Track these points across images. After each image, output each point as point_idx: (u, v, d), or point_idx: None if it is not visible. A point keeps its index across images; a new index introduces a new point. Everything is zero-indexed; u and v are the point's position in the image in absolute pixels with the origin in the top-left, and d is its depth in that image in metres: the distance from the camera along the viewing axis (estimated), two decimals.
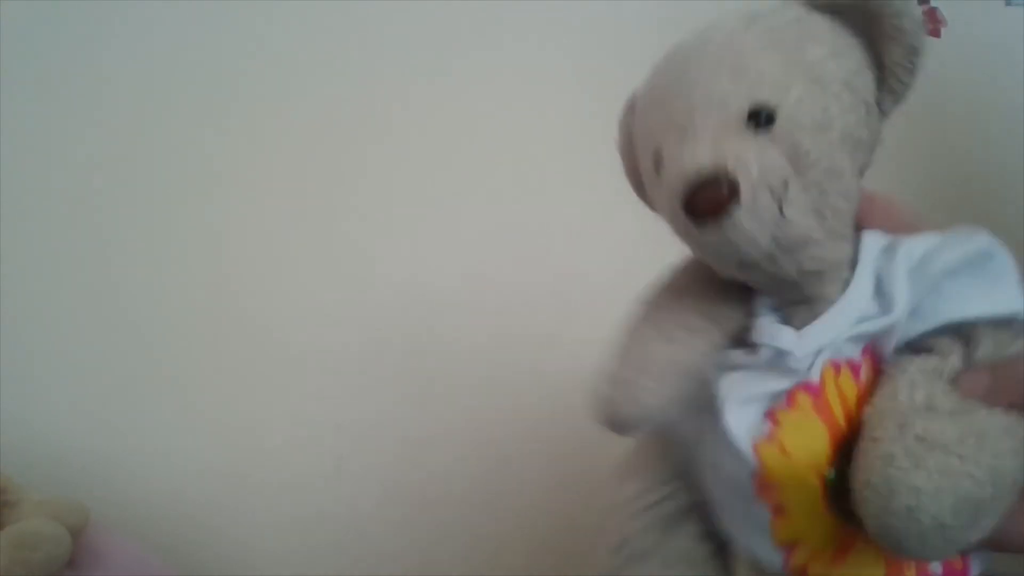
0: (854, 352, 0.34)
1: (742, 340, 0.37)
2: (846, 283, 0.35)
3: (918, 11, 0.33)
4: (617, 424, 0.38)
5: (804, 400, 0.34)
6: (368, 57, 0.79)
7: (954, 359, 0.32)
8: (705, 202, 0.31)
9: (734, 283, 0.37)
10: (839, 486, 0.33)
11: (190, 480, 0.72)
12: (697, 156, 0.32)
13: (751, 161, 0.31)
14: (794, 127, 0.32)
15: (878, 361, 0.34)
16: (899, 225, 0.36)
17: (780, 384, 0.35)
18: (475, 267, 0.80)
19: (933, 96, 0.98)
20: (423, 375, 0.79)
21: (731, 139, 0.32)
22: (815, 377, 0.34)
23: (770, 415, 0.34)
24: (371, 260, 0.78)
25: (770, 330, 0.35)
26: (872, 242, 0.35)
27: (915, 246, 0.34)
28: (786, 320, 0.36)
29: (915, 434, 0.29)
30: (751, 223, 0.31)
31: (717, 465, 0.37)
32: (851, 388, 0.34)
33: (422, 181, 0.80)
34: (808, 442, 0.33)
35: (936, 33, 0.99)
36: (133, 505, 0.69)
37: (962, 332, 0.33)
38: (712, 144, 0.32)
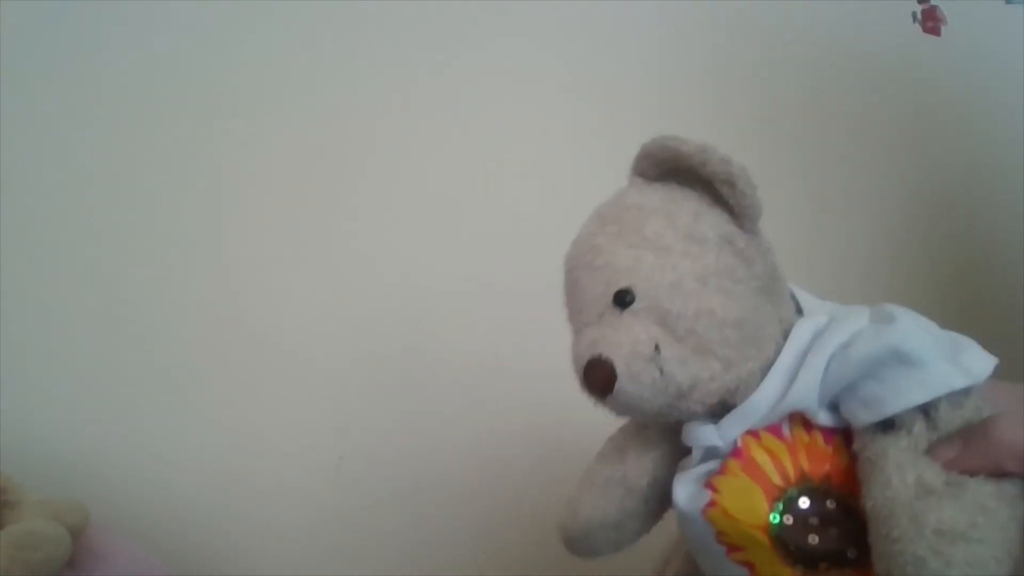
0: (773, 421, 0.38)
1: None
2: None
3: (715, 153, 0.38)
4: (569, 542, 0.44)
5: (733, 465, 0.38)
6: (368, 60, 0.79)
7: (919, 429, 0.35)
8: (593, 383, 0.37)
9: None
10: (782, 531, 0.36)
11: (190, 480, 0.72)
12: (580, 348, 0.39)
13: (620, 342, 0.37)
14: (651, 296, 0.37)
15: (805, 419, 0.38)
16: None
17: (714, 464, 0.39)
18: (474, 270, 0.80)
19: (933, 94, 0.98)
20: (423, 377, 0.79)
21: (604, 326, 0.38)
22: (738, 444, 0.38)
23: (708, 484, 0.38)
24: (371, 262, 0.78)
25: (695, 433, 0.40)
26: (802, 330, 0.39)
27: (840, 331, 0.37)
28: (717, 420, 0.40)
29: (932, 528, 0.32)
30: (635, 390, 0.37)
31: (689, 539, 0.41)
32: (776, 445, 0.38)
33: (422, 184, 0.80)
34: (745, 501, 0.37)
35: (936, 31, 0.99)
36: (133, 505, 0.69)
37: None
38: (590, 334, 0.38)
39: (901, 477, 0.34)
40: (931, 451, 0.35)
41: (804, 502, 0.37)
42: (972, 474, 0.34)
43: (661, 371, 0.37)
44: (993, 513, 0.32)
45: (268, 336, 0.75)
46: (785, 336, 0.39)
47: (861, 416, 0.36)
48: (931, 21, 0.99)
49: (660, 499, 0.44)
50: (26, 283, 0.69)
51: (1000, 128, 0.98)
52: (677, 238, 0.38)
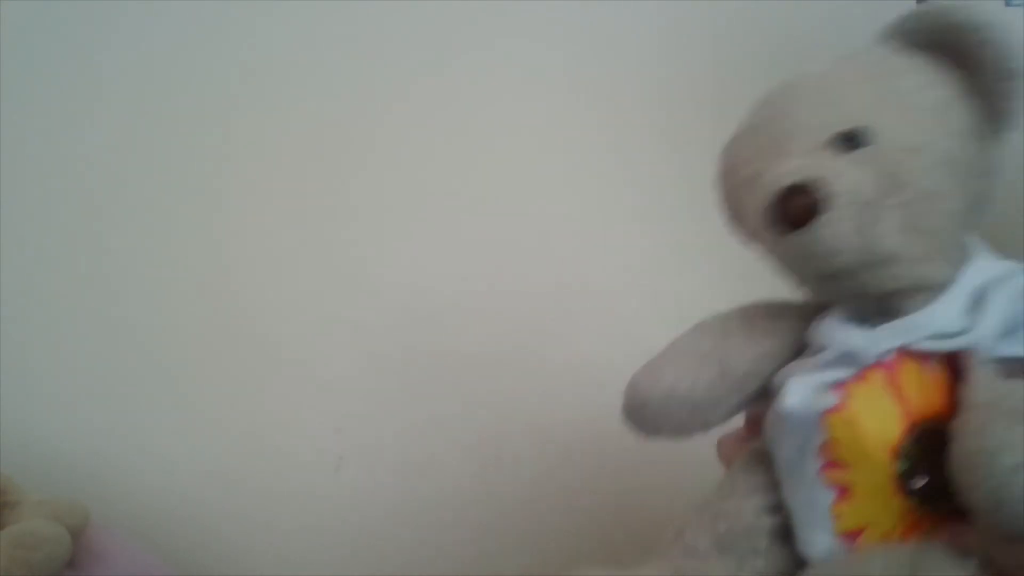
0: (930, 357, 0.34)
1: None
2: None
3: (1010, 37, 0.34)
4: (637, 407, 0.38)
5: (876, 376, 0.34)
6: (367, 60, 0.79)
7: None
8: (794, 209, 0.32)
9: (798, 311, 0.38)
10: (909, 460, 0.32)
11: (190, 481, 0.72)
12: (789, 169, 0.33)
13: (841, 173, 0.32)
14: (885, 149, 0.33)
15: (956, 372, 0.34)
16: None
17: (846, 372, 0.34)
18: (475, 271, 0.80)
19: None
20: (423, 378, 0.79)
21: (822, 157, 0.33)
22: (889, 357, 0.34)
23: (839, 387, 0.34)
24: (371, 263, 0.78)
25: (838, 331, 0.35)
26: (984, 267, 0.35)
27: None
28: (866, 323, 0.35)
29: None
30: (837, 233, 0.32)
31: (780, 445, 0.36)
32: (926, 379, 0.33)
33: (422, 184, 0.80)
34: (880, 418, 0.33)
35: None
36: (133, 505, 0.69)
37: None
38: (796, 162, 0.33)
39: (1010, 388, 0.31)
40: None
41: (931, 441, 0.32)
42: None
43: (867, 227, 0.32)
44: None
45: (268, 336, 0.75)
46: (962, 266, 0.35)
47: (1005, 349, 0.32)
48: None
49: (748, 399, 0.39)
50: (26, 283, 0.69)
51: None
52: (929, 106, 0.34)
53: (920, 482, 0.32)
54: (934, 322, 0.34)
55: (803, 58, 0.95)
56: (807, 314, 0.38)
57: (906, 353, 0.34)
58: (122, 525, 0.63)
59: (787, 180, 0.33)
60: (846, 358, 0.35)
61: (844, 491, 0.34)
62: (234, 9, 0.76)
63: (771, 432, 0.37)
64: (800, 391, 0.35)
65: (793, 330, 0.38)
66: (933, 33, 0.35)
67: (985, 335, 0.33)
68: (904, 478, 0.33)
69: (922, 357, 0.34)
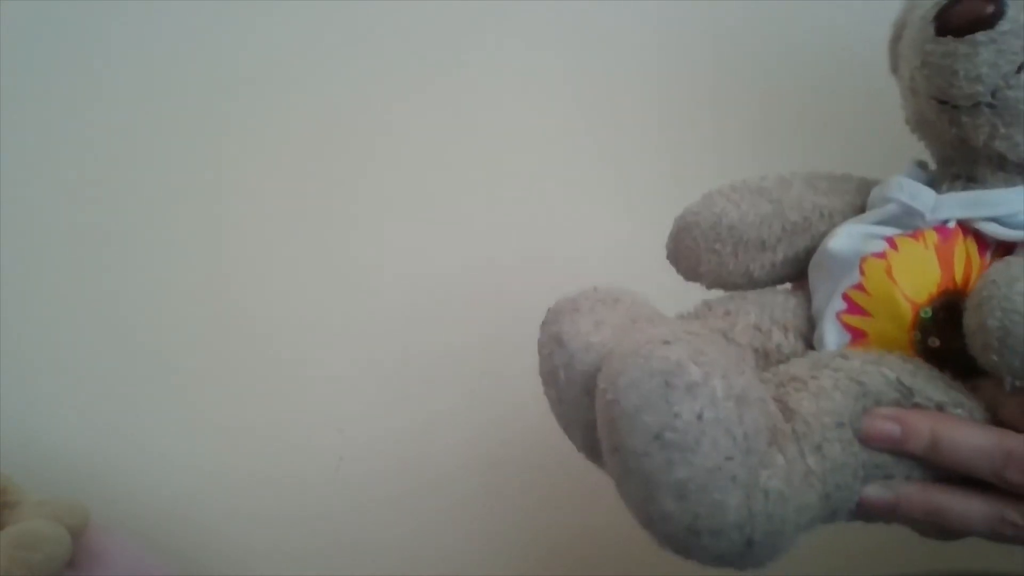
0: (990, 243, 0.33)
1: None
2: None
3: None
4: (682, 229, 0.37)
5: (931, 237, 0.33)
6: (367, 61, 0.79)
7: None
8: (962, 13, 0.31)
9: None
10: (931, 327, 0.32)
11: (190, 481, 0.72)
12: None
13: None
14: None
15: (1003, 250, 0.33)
16: None
17: (901, 226, 0.34)
18: (475, 268, 0.80)
19: None
20: (423, 377, 0.79)
21: None
22: (950, 225, 0.33)
23: (890, 240, 0.33)
24: (370, 262, 0.78)
25: (906, 185, 0.35)
26: None
27: None
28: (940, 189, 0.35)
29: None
30: (985, 57, 0.30)
31: (816, 286, 0.35)
32: (976, 261, 0.33)
33: (422, 186, 0.80)
34: (918, 274, 0.33)
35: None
36: (133, 505, 0.69)
37: None
38: None
39: None
40: None
41: (957, 310, 0.32)
42: None
43: (1020, 68, 0.31)
44: None
45: (268, 336, 0.75)
46: None
47: None
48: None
49: (796, 255, 0.37)
50: (26, 283, 0.69)
51: None
52: None
53: (935, 342, 0.32)
54: (1003, 204, 0.33)
55: (802, 58, 0.96)
56: (871, 186, 0.38)
57: (968, 229, 0.33)
58: (122, 525, 0.62)
59: None
60: (905, 215, 0.34)
61: (859, 336, 0.34)
62: (234, 9, 0.75)
63: (811, 274, 0.36)
64: (849, 234, 0.34)
65: (856, 195, 0.38)
66: None
67: None
68: (921, 337, 0.32)
69: (982, 240, 0.33)
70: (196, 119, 0.74)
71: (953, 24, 0.31)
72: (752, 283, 0.38)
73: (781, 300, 0.37)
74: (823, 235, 0.37)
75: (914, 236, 0.33)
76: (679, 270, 0.39)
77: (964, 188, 0.34)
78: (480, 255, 0.80)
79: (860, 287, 0.33)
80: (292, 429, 0.75)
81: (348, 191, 0.78)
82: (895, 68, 0.40)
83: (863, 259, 0.33)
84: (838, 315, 0.34)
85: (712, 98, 0.90)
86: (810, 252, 0.37)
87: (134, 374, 0.71)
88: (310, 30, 0.78)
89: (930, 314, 0.32)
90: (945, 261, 0.33)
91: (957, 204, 0.33)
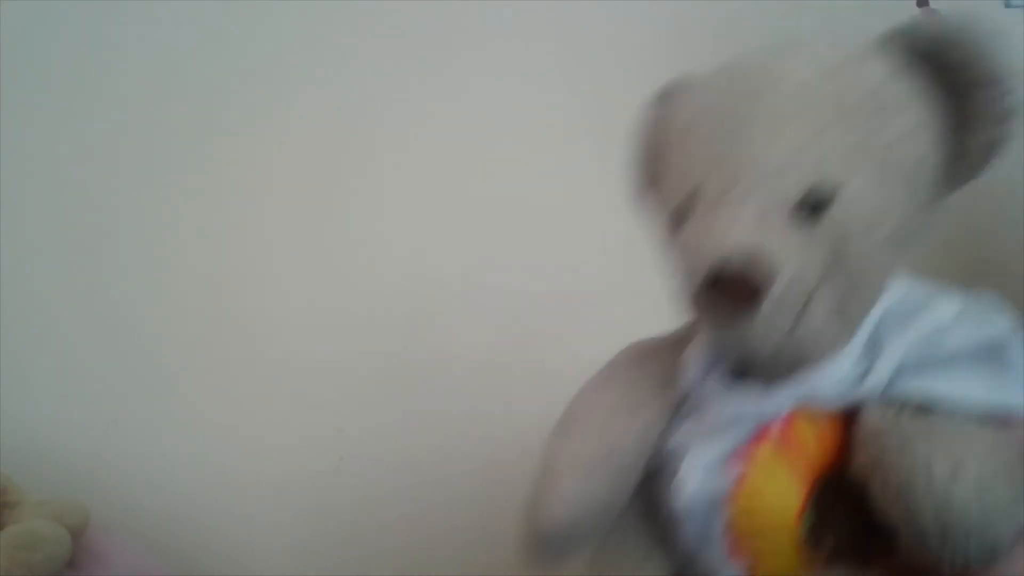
0: (830, 402, 0.32)
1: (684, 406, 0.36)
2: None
3: (1014, 61, 0.30)
4: (545, 541, 0.37)
5: (769, 442, 0.32)
6: (366, 60, 0.79)
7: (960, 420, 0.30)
8: (729, 293, 0.28)
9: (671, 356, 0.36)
10: (817, 524, 0.31)
11: (190, 481, 0.72)
12: (733, 234, 0.28)
13: (790, 258, 0.28)
14: (845, 223, 0.29)
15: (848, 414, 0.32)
16: None
17: (737, 436, 0.33)
18: (473, 269, 0.80)
19: None
20: (423, 377, 0.79)
21: (775, 225, 0.29)
22: (780, 417, 0.32)
23: (733, 462, 0.32)
24: (370, 261, 0.78)
25: (727, 393, 0.33)
26: (887, 302, 0.33)
27: (929, 321, 0.32)
28: (745, 379, 0.34)
29: (940, 437, 0.28)
30: (769, 326, 0.29)
31: (682, 526, 0.34)
32: (821, 428, 0.32)
33: (420, 184, 0.80)
34: (779, 488, 0.32)
35: None
36: (133, 505, 0.69)
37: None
38: (754, 224, 0.28)
39: (900, 412, 0.29)
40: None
41: (833, 493, 0.31)
42: None
43: (804, 313, 0.29)
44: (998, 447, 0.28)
45: (268, 336, 0.75)
46: None
47: (899, 386, 0.31)
48: None
49: (641, 472, 0.37)
50: (26, 283, 0.69)
51: None
52: (903, 167, 0.30)
53: (828, 543, 0.31)
54: (828, 381, 0.32)
55: None
56: (680, 351, 0.36)
57: (798, 409, 0.32)
58: (122, 525, 0.62)
59: (729, 254, 0.28)
60: (738, 421, 0.33)
61: (753, 561, 0.33)
62: (235, 9, 0.76)
63: (672, 514, 0.35)
64: (695, 476, 0.33)
65: (669, 386, 0.36)
66: (933, 44, 0.31)
67: (879, 381, 0.31)
68: (811, 538, 0.31)
69: (814, 411, 0.32)
70: (194, 120, 0.74)
71: (723, 304, 0.29)
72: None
73: None
74: (659, 440, 0.36)
75: (755, 446, 0.32)
76: (546, 564, 0.38)
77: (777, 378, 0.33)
78: (479, 254, 0.81)
79: (732, 522, 0.32)
80: (292, 429, 0.75)
81: (347, 191, 0.78)
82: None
83: (721, 500, 0.32)
84: (726, 551, 0.33)
85: None
86: (655, 460, 0.36)
87: (134, 374, 0.71)
88: (309, 30, 0.78)
89: (813, 522, 0.31)
90: (796, 457, 0.32)
91: (787, 397, 0.32)
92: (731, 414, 0.33)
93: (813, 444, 0.32)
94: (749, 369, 0.33)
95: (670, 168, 0.35)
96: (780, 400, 0.32)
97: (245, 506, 0.73)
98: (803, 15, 0.94)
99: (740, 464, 0.32)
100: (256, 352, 0.74)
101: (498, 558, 0.79)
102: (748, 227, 0.29)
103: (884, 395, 0.31)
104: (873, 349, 0.32)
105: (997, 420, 0.30)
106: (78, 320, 0.70)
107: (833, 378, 0.32)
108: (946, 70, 0.31)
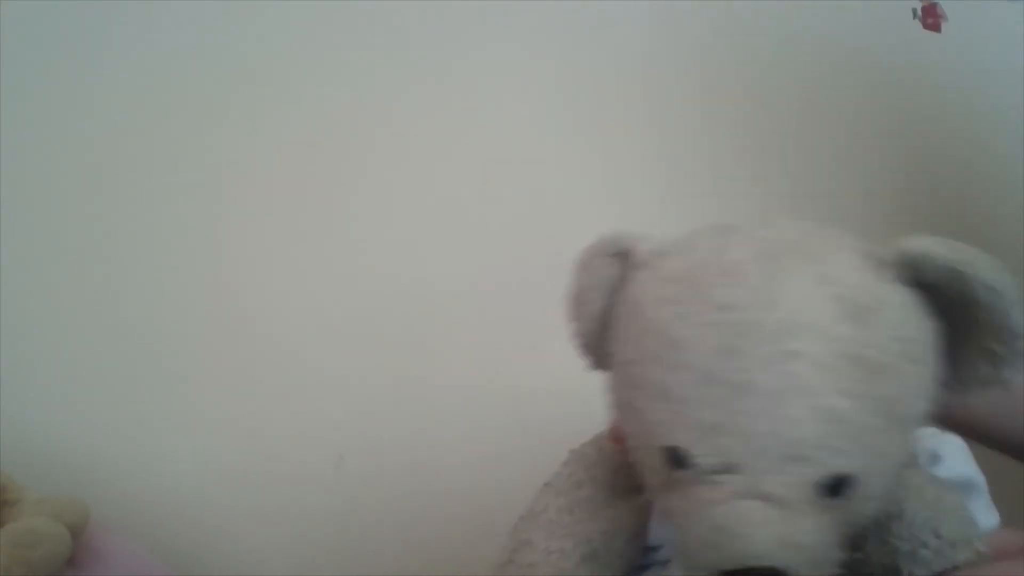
0: None
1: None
2: None
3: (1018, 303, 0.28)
4: None
5: None
6: (366, 60, 0.79)
7: None
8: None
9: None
10: None
11: (190, 479, 0.72)
12: (753, 539, 0.26)
13: (806, 550, 0.26)
14: (864, 500, 0.28)
15: None
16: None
17: None
18: (474, 266, 0.80)
19: (932, 92, 0.98)
20: (423, 376, 0.79)
21: (794, 514, 0.26)
22: None
23: None
24: (370, 259, 0.78)
25: None
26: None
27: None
28: None
29: None
30: None
31: None
32: None
33: (420, 183, 0.80)
34: None
35: (936, 28, 0.99)
36: (133, 504, 0.69)
37: None
38: (779, 516, 0.26)
39: None
40: None
41: None
42: None
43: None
44: None
45: (268, 334, 0.75)
46: None
47: None
48: (931, 18, 0.98)
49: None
50: (26, 283, 0.69)
51: (1000, 126, 0.98)
52: (915, 414, 0.28)
53: None
54: None
55: (800, 55, 0.96)
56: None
57: None
58: (122, 523, 0.62)
59: (745, 555, 0.26)
60: None
61: None
62: (235, 9, 0.76)
63: None
64: None
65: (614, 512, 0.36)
66: (940, 275, 0.28)
67: None
68: None
69: None
70: (195, 119, 0.74)
71: None
72: None
73: None
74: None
75: None
76: None
77: None
78: (480, 254, 0.81)
79: None
80: (292, 427, 0.75)
81: (348, 191, 0.78)
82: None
83: None
84: None
85: (705, 98, 0.90)
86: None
87: (134, 372, 0.71)
88: (310, 30, 0.78)
89: None
90: None
91: None
92: None
93: None
94: None
95: (635, 388, 0.31)
96: None
97: (246, 504, 0.73)
98: (804, 15, 0.94)
99: None
100: (256, 350, 0.74)
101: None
102: (766, 529, 0.26)
103: None
104: None
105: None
106: (78, 318, 0.70)
107: None
108: (956, 305, 0.29)
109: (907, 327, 0.28)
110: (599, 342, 0.36)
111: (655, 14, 0.87)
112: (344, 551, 0.76)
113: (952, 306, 0.29)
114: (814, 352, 0.26)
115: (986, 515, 0.34)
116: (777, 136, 0.90)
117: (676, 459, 0.28)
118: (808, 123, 0.92)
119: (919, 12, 0.97)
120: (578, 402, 0.83)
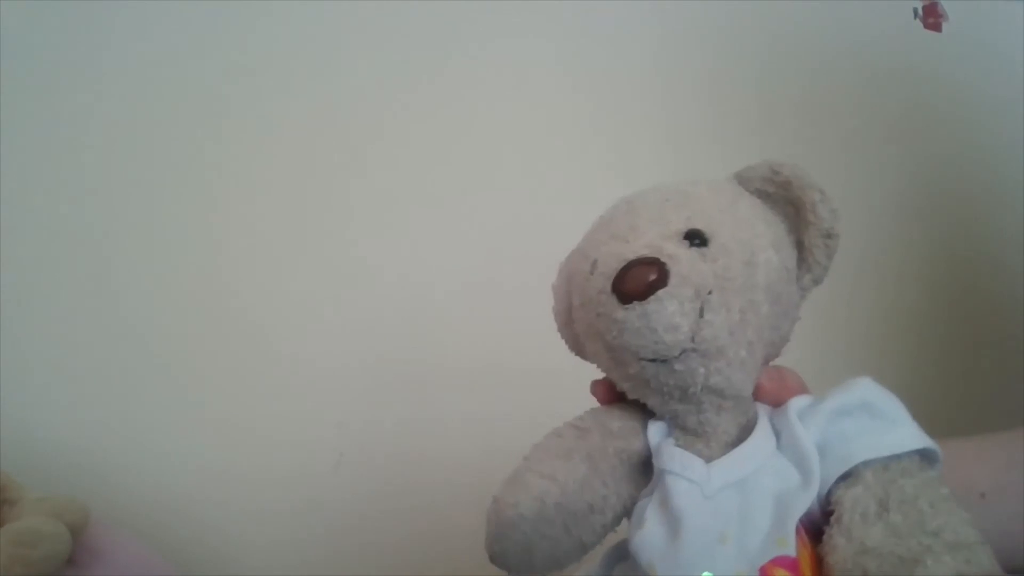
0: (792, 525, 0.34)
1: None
2: (742, 429, 0.36)
3: (832, 201, 0.38)
4: (505, 529, 0.38)
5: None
6: (366, 59, 0.79)
7: (875, 481, 0.34)
8: (634, 280, 0.33)
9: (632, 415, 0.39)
10: None
11: (190, 479, 0.72)
12: (636, 247, 0.35)
13: (681, 257, 0.34)
14: (725, 253, 0.35)
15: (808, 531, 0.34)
16: (791, 390, 0.38)
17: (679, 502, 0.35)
18: (474, 266, 0.80)
19: (933, 92, 0.98)
20: (422, 375, 0.79)
21: (668, 243, 0.35)
22: (791, 551, 0.33)
23: None
24: (371, 259, 0.78)
25: (680, 458, 0.36)
26: (764, 409, 0.37)
27: (800, 400, 0.36)
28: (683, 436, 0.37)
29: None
30: (673, 309, 0.33)
31: None
32: (810, 563, 0.33)
33: (421, 183, 0.80)
34: None
35: (937, 28, 0.99)
36: (133, 504, 0.69)
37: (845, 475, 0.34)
38: (651, 242, 0.35)
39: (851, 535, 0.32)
40: None
41: None
42: None
43: (701, 313, 0.33)
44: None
45: (268, 334, 0.75)
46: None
47: (831, 471, 0.34)
48: (932, 17, 0.99)
49: (624, 500, 0.39)
50: (26, 283, 0.69)
51: (1000, 125, 0.98)
52: (764, 237, 0.36)
53: None
54: (761, 450, 0.35)
55: (804, 55, 0.96)
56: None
57: (800, 538, 0.34)
58: (122, 522, 0.62)
59: (632, 254, 0.34)
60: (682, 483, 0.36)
61: None
62: (234, 9, 0.76)
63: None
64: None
65: (640, 430, 0.39)
66: (772, 186, 0.38)
67: (819, 481, 0.34)
68: None
69: (802, 539, 0.34)
70: (194, 119, 0.74)
71: (633, 290, 0.33)
72: (585, 550, 0.39)
73: None
74: (634, 471, 0.39)
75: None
76: (509, 568, 0.38)
77: (706, 446, 0.36)
78: (480, 253, 0.81)
79: None
80: (292, 426, 0.75)
81: (348, 190, 0.78)
82: (580, 351, 0.43)
83: None
84: None
85: (713, 95, 0.90)
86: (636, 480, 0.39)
87: (134, 371, 0.71)
88: (309, 30, 0.78)
89: None
90: None
91: (726, 471, 0.35)
92: (677, 480, 0.36)
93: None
94: (668, 396, 0.36)
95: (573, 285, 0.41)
96: (721, 482, 0.35)
97: (245, 503, 0.74)
98: (805, 15, 0.94)
99: None
100: (256, 349, 0.75)
101: None
102: (643, 245, 0.35)
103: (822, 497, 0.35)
104: (784, 441, 0.36)
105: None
106: (77, 318, 0.70)
107: (760, 454, 0.35)
108: (784, 198, 0.39)
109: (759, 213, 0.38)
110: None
111: (662, 14, 0.88)
112: (344, 550, 0.76)
113: (787, 210, 0.38)
114: (674, 197, 0.39)
115: (887, 435, 0.34)
116: (782, 136, 0.90)
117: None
118: (811, 123, 0.92)
119: (920, 12, 0.97)
120: (578, 402, 0.83)
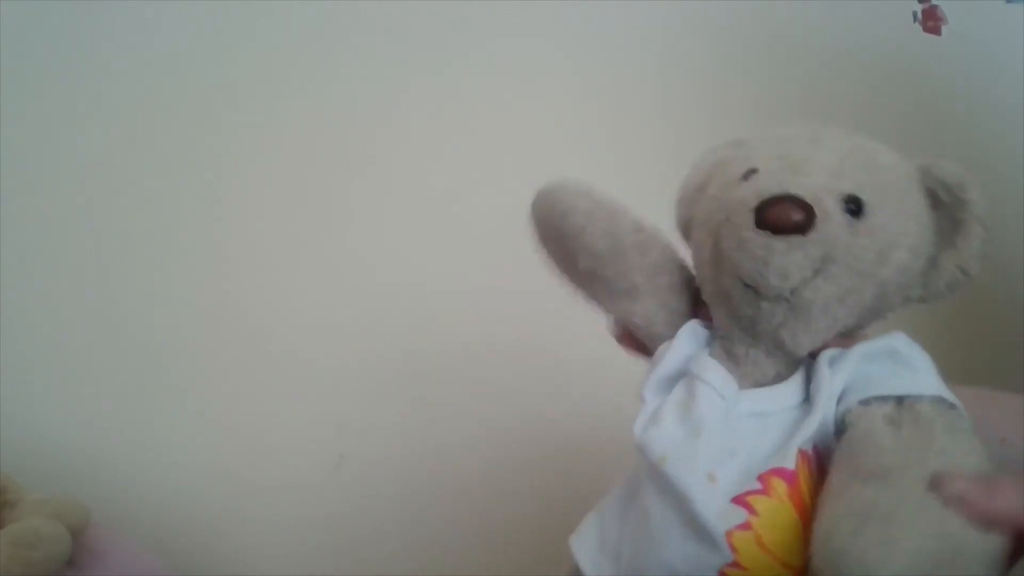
0: (796, 452, 0.35)
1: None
2: (777, 376, 0.37)
3: (987, 245, 0.38)
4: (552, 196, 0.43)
5: (780, 487, 0.34)
6: (367, 59, 0.79)
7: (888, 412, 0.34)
8: (781, 214, 0.33)
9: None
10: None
11: (190, 480, 0.72)
12: (798, 183, 0.34)
13: (833, 218, 0.34)
14: (869, 234, 0.35)
15: (818, 459, 0.35)
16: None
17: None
18: (475, 270, 0.80)
19: (933, 94, 0.98)
20: (423, 376, 0.79)
21: (830, 199, 0.34)
22: (790, 464, 0.34)
23: (743, 502, 0.34)
24: (372, 261, 0.78)
25: (718, 373, 0.37)
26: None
27: (831, 351, 0.37)
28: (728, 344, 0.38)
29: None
30: (795, 259, 0.33)
31: (674, 561, 0.35)
32: (810, 481, 0.35)
33: (421, 183, 0.80)
34: (785, 534, 0.34)
35: (936, 31, 0.99)
36: (133, 505, 0.69)
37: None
38: (816, 188, 0.34)
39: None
40: (947, 483, 0.30)
41: None
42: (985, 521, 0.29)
43: (815, 274, 0.34)
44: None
45: (268, 335, 0.75)
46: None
47: (848, 401, 0.35)
48: (932, 20, 0.99)
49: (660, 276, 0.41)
50: (26, 283, 0.69)
51: (1000, 128, 0.98)
52: (912, 235, 0.36)
53: None
54: (786, 395, 0.36)
55: (805, 58, 0.96)
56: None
57: (802, 456, 0.35)
58: (122, 524, 0.62)
59: (795, 189, 0.34)
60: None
61: None
62: (235, 9, 0.76)
63: (667, 542, 0.36)
64: (704, 496, 0.34)
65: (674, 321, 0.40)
66: (953, 201, 0.38)
67: (828, 406, 0.35)
68: None
69: (806, 459, 0.35)
70: (194, 120, 0.74)
71: (774, 222, 0.33)
72: (621, 277, 0.41)
73: None
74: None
75: (765, 491, 0.34)
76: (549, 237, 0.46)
77: (745, 376, 0.37)
78: (481, 253, 0.80)
79: (736, 564, 0.34)
80: (292, 428, 0.75)
81: (348, 192, 0.78)
82: (684, 232, 0.43)
83: (729, 534, 0.34)
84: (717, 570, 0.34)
85: (714, 96, 0.90)
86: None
87: (134, 373, 0.71)
88: (310, 30, 0.78)
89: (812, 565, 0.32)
90: (799, 505, 0.34)
91: (751, 402, 0.36)
92: (706, 386, 0.37)
93: (808, 493, 0.34)
94: (738, 321, 0.37)
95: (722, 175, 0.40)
96: (749, 404, 0.36)
97: (245, 504, 0.73)
98: (806, 19, 0.95)
99: (748, 509, 0.34)
100: (256, 351, 0.74)
101: (499, 556, 0.79)
102: (807, 189, 0.34)
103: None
104: (811, 387, 0.36)
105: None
106: (78, 320, 0.70)
107: (785, 399, 0.36)
108: (945, 204, 0.38)
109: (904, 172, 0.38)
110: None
111: (667, 14, 0.88)
112: (344, 550, 0.76)
113: (944, 226, 0.38)
114: (866, 145, 0.39)
115: (907, 380, 0.35)
116: None
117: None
118: (816, 118, 0.93)
119: (919, 15, 0.97)
120: (578, 402, 0.83)
